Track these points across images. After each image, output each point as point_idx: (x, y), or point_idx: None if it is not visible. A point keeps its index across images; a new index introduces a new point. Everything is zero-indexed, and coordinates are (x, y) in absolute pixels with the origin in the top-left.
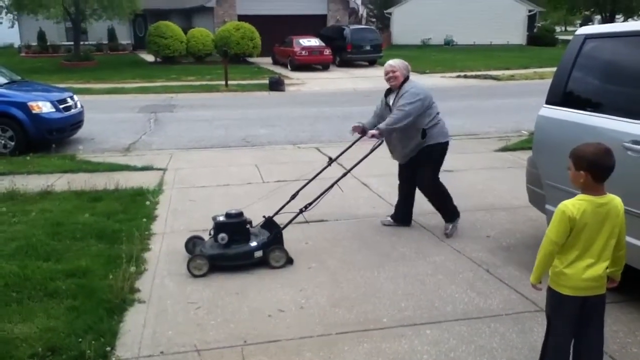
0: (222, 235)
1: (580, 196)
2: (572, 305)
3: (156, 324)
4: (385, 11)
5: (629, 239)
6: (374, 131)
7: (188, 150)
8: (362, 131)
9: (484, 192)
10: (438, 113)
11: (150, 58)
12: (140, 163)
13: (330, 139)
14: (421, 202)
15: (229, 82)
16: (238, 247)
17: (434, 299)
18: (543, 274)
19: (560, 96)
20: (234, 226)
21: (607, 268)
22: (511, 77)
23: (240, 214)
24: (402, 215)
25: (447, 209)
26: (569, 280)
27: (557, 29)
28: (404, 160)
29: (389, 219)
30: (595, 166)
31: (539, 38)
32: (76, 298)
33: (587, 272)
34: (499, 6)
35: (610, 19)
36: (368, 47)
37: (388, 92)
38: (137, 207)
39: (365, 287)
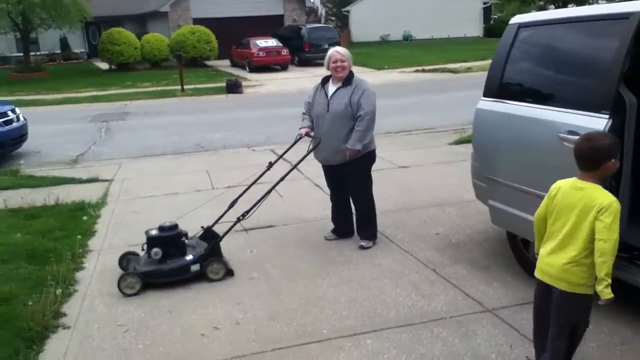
0: (155, 250)
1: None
2: (538, 290)
3: (79, 352)
4: (343, 9)
5: None
6: (353, 150)
7: (138, 159)
8: (307, 134)
9: (437, 187)
10: None
11: (104, 66)
12: (87, 175)
13: (286, 140)
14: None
15: (185, 87)
16: (173, 262)
17: (377, 305)
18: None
19: (497, 88)
20: (167, 240)
21: (573, 263)
22: (468, 70)
23: (175, 226)
24: (345, 227)
25: (373, 226)
26: (539, 261)
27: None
28: (334, 162)
29: (331, 233)
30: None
31: (495, 30)
32: None
33: (550, 256)
34: None
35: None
36: (326, 46)
37: (326, 81)
38: (76, 222)
39: (307, 296)
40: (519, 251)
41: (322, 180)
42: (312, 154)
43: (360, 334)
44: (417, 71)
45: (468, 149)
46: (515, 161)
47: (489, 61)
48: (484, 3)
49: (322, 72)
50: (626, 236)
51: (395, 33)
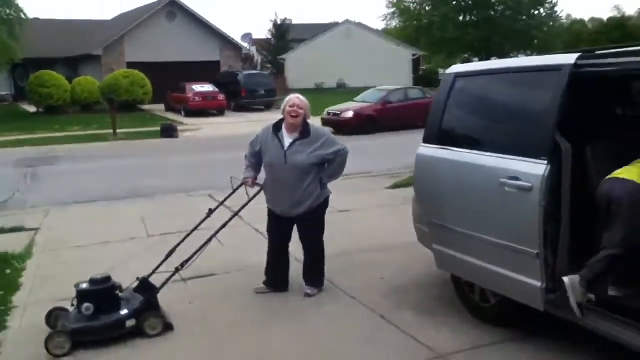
0: (86, 305)
1: None
2: None
3: None
4: (278, 57)
5: (506, 272)
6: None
7: (67, 206)
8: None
9: (379, 231)
10: None
11: (32, 109)
12: (9, 224)
13: (224, 186)
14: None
15: (119, 131)
16: (106, 318)
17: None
18: None
19: (437, 134)
20: (99, 293)
21: None
22: None
23: (107, 279)
24: (282, 280)
25: (322, 272)
26: None
27: (440, 70)
28: (295, 213)
29: (263, 286)
30: None
31: (424, 79)
32: None
33: None
34: (386, 50)
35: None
36: (262, 92)
37: (278, 129)
38: None
39: (253, 352)
40: (464, 294)
41: (261, 226)
42: (266, 204)
43: None
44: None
45: (406, 193)
46: (457, 206)
47: None
48: (413, 55)
49: (260, 117)
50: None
51: (329, 81)
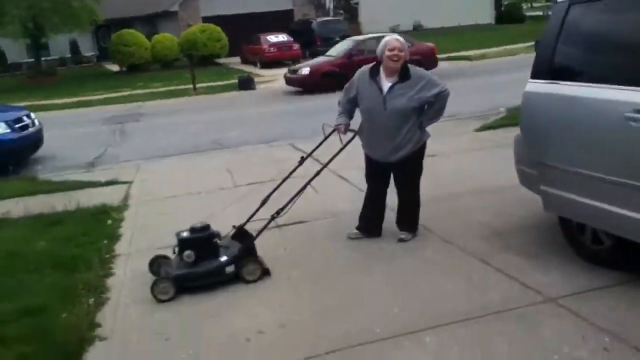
0: (187, 252)
1: None
2: None
3: None
4: (351, 1)
5: (630, 212)
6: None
7: (156, 159)
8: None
9: (469, 175)
10: None
11: (115, 68)
12: (105, 178)
13: (305, 135)
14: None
15: (198, 86)
16: (207, 264)
17: (430, 301)
18: None
19: (548, 69)
20: (199, 241)
21: None
22: (483, 56)
23: (207, 227)
24: (377, 226)
25: (417, 218)
26: None
27: (524, 5)
28: (394, 159)
29: (357, 231)
30: None
31: (507, 16)
32: (29, 342)
33: None
34: None
35: None
36: (337, 39)
37: (375, 73)
38: (100, 227)
39: (352, 294)
40: (574, 237)
41: (346, 173)
42: (355, 151)
43: (418, 332)
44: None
45: (496, 135)
46: (572, 145)
47: (503, 47)
48: None
49: None
50: None
51: (404, 23)
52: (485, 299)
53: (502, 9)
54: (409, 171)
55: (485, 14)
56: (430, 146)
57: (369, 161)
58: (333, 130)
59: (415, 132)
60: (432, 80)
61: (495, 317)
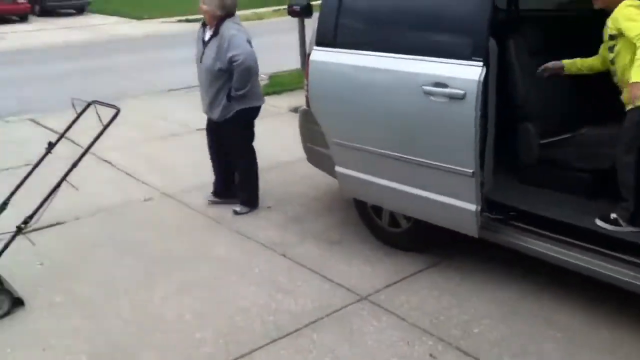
0: None
1: None
2: None
3: None
4: None
5: (431, 195)
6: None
7: None
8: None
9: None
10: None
11: None
12: None
13: (48, 106)
14: (182, 176)
15: None
16: None
17: (235, 316)
18: None
19: (333, 34)
20: None
21: None
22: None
23: None
24: (220, 186)
25: (247, 190)
26: None
27: None
28: (213, 117)
29: (211, 195)
30: None
31: None
32: None
33: None
34: None
35: None
36: None
37: (204, 24)
38: None
39: (139, 319)
40: (371, 220)
41: (109, 154)
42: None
43: None
44: (180, 21)
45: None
46: (368, 121)
47: (256, 9)
48: None
49: (73, 22)
50: (496, 195)
51: None
52: (297, 306)
53: None
54: (224, 136)
55: None
56: (197, 118)
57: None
58: (88, 105)
59: (223, 97)
60: (233, 41)
61: (312, 328)
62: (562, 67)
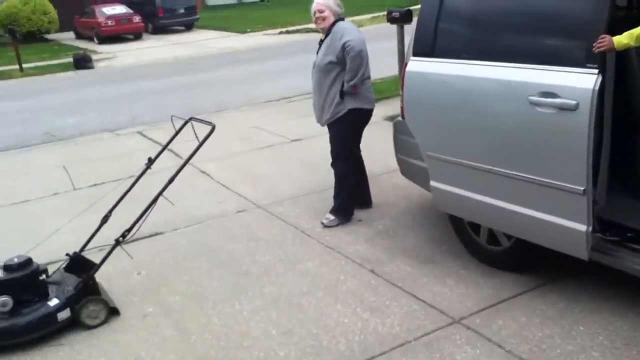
0: (3, 299)
1: None
2: None
3: None
4: None
5: (537, 214)
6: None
7: None
8: None
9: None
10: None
11: None
12: None
13: (154, 119)
14: (276, 186)
15: (25, 66)
16: (32, 312)
17: (320, 334)
18: None
19: (432, 43)
20: (18, 283)
21: None
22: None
23: (28, 262)
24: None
25: (339, 198)
26: None
27: None
28: (319, 122)
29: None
30: None
31: None
32: None
33: None
34: None
35: None
36: (182, 10)
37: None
38: None
39: (226, 333)
40: (468, 236)
41: (206, 165)
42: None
43: None
44: (281, 33)
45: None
46: (468, 134)
47: (354, 17)
48: None
49: (181, 39)
50: (610, 214)
51: None
52: (384, 327)
53: None
54: (331, 137)
55: None
56: (293, 128)
57: None
58: (186, 122)
59: (336, 94)
60: (347, 30)
61: (400, 351)
62: None
